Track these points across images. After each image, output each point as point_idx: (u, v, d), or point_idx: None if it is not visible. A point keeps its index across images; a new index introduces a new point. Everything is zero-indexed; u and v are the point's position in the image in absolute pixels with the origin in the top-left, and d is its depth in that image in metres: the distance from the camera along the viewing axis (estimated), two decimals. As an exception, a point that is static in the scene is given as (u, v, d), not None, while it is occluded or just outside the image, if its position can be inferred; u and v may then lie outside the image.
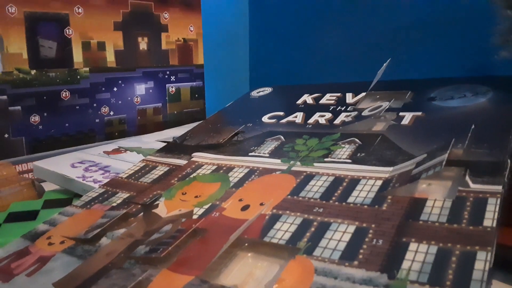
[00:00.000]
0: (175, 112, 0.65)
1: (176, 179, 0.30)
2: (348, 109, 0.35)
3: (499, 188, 0.20)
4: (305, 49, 0.53)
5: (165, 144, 0.37)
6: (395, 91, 0.35)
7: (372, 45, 0.46)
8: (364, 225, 0.20)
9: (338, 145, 0.29)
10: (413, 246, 0.18)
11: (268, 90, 0.45)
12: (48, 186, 0.43)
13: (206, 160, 0.32)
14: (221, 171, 0.29)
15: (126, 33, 0.57)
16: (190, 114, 0.67)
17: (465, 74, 0.39)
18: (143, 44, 0.60)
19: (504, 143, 0.24)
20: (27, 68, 0.48)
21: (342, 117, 0.34)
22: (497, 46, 0.37)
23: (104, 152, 0.47)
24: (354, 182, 0.24)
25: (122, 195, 0.29)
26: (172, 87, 0.64)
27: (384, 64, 0.40)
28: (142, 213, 0.26)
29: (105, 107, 0.56)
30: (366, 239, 0.19)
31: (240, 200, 0.25)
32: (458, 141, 0.25)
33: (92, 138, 0.55)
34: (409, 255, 0.18)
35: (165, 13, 0.62)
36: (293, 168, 0.27)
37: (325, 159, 0.27)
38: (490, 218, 0.19)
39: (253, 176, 0.28)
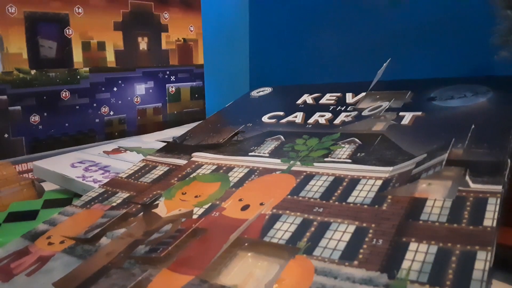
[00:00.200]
0: (175, 112, 0.65)
1: (176, 179, 0.30)
2: (348, 109, 0.35)
3: (499, 188, 0.20)
4: (305, 49, 0.53)
5: (165, 144, 0.37)
6: (395, 91, 0.35)
7: (372, 45, 0.46)
8: (364, 225, 0.20)
9: (338, 145, 0.29)
10: (413, 246, 0.18)
11: (268, 90, 0.45)
12: (48, 186, 0.43)
13: (206, 160, 0.32)
14: (221, 171, 0.29)
15: (126, 33, 0.57)
16: (190, 114, 0.67)
17: (465, 74, 0.39)
18: (143, 44, 0.60)
19: (504, 143, 0.24)
20: (27, 68, 0.48)
21: (342, 117, 0.34)
22: (497, 46, 0.37)
23: (104, 152, 0.47)
24: (354, 182, 0.24)
25: (122, 195, 0.29)
26: (172, 87, 0.64)
27: (384, 64, 0.40)
28: (142, 213, 0.26)
29: (105, 107, 0.56)
30: (366, 239, 0.19)
31: (240, 200, 0.25)
32: (458, 141, 0.25)
33: (92, 138, 0.55)
34: (409, 255, 0.18)
35: (165, 13, 0.62)
36: (293, 168, 0.27)
37: (325, 159, 0.27)
38: (490, 218, 0.19)
39: (253, 176, 0.28)
